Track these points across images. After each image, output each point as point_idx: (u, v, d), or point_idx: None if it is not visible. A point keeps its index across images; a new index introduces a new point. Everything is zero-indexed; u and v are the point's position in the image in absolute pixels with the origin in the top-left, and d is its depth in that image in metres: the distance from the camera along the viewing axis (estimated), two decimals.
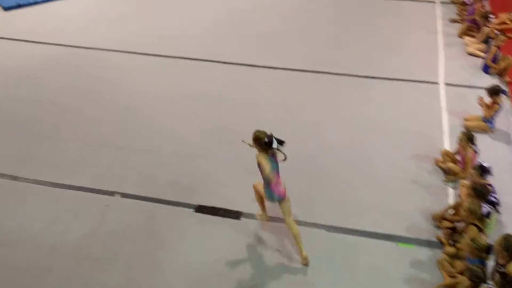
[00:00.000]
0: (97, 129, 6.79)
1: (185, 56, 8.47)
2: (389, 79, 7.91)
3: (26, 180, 5.94)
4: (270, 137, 4.76)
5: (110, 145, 6.50)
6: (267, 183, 4.84)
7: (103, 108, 7.21)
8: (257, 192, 5.17)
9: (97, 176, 5.99)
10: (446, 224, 5.18)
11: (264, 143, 4.73)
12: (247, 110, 7.20)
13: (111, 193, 5.75)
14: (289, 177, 5.00)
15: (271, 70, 8.15)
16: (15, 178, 5.97)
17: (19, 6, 10.07)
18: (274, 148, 4.74)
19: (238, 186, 5.82)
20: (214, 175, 6.03)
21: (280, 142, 4.81)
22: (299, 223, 5.14)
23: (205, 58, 8.41)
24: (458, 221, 5.13)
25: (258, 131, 4.82)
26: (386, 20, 9.82)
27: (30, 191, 5.80)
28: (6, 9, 10.00)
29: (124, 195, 5.73)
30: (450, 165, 5.92)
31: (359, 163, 6.24)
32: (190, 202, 5.66)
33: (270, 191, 4.88)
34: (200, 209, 5.57)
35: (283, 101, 7.39)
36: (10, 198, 5.71)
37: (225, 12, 10.03)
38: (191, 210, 5.56)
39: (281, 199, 4.92)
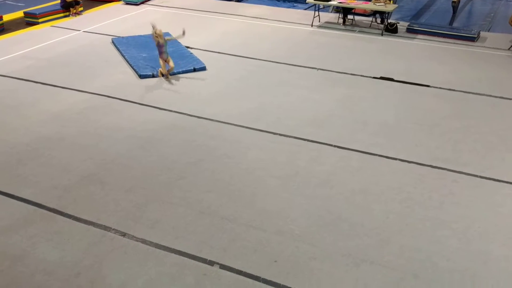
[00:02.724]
0: (205, 197, 6.94)
1: (298, 136, 8.56)
2: None
3: (133, 237, 6.15)
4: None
5: (216, 215, 6.58)
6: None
7: (213, 178, 7.39)
8: None
9: (200, 244, 6.04)
10: None
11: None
12: (356, 197, 7.01)
13: (210, 263, 5.75)
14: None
15: (385, 159, 7.94)
16: (123, 234, 6.20)
17: (153, 75, 10.96)
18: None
19: (340, 276, 5.59)
20: (315, 261, 5.82)
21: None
22: None
23: (318, 140, 8.43)
24: None
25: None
26: None
27: (135, 249, 5.97)
28: (142, 77, 10.91)
29: (223, 267, 5.69)
30: None
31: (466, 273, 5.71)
32: (287, 284, 5.47)
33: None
34: None
35: (397, 194, 7.11)
36: (115, 253, 5.91)
37: (343, 98, 10.12)
38: None
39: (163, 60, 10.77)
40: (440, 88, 10.70)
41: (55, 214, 6.55)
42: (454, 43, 13.69)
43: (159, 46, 10.64)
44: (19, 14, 15.37)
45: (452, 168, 7.72)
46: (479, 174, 7.58)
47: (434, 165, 7.80)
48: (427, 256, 5.93)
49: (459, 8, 16.86)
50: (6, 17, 14.90)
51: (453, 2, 16.02)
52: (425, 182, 7.38)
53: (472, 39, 13.81)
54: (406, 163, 7.86)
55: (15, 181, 7.23)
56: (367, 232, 6.30)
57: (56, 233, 6.21)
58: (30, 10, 15.10)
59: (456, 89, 10.65)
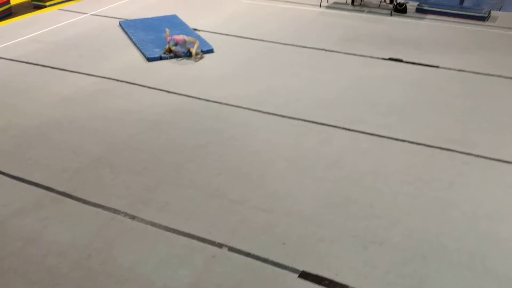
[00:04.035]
0: (213, 180, 6.96)
1: (306, 118, 8.53)
2: None
3: (142, 220, 6.19)
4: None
5: (224, 197, 6.60)
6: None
7: (221, 160, 7.41)
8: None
9: (208, 226, 6.08)
10: None
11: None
12: (365, 178, 7.00)
13: (219, 245, 5.79)
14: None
15: (394, 141, 7.91)
16: (133, 217, 6.25)
17: (161, 58, 10.94)
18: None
19: (348, 258, 5.61)
20: (323, 243, 5.85)
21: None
22: None
23: (326, 122, 8.40)
24: None
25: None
26: None
27: (144, 231, 6.02)
28: (150, 60, 10.89)
29: (231, 249, 5.73)
30: None
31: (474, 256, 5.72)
32: (295, 266, 5.50)
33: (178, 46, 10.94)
34: (304, 275, 5.39)
35: (406, 175, 7.08)
36: (125, 235, 5.97)
37: (352, 79, 10.05)
38: (295, 275, 5.39)
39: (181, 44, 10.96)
40: (450, 69, 10.59)
41: (65, 197, 6.61)
42: (464, 23, 13.51)
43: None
44: None
45: (462, 150, 7.67)
46: (489, 156, 7.53)
47: (443, 146, 7.76)
48: (436, 237, 5.93)
49: None
50: (14, 1, 14.89)
51: None
52: (435, 163, 7.35)
53: (482, 18, 13.62)
54: (415, 144, 7.82)
55: (25, 165, 7.29)
56: (376, 214, 6.31)
57: (67, 216, 6.27)
58: None
59: (466, 69, 10.54)
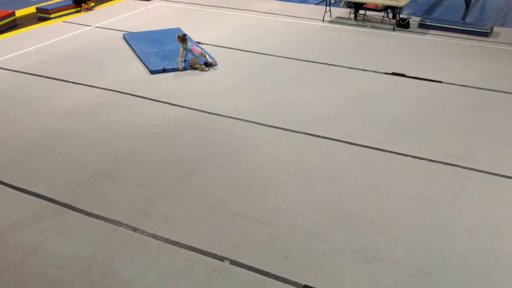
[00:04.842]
0: (215, 193, 6.95)
1: (309, 132, 8.54)
2: None
3: (144, 232, 6.17)
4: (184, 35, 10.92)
5: (226, 210, 6.59)
6: (190, 52, 11.01)
7: (224, 173, 7.40)
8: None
9: (210, 239, 6.06)
10: None
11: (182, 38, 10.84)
12: (367, 193, 6.98)
13: (221, 258, 5.76)
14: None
15: (397, 155, 7.90)
16: (134, 229, 6.23)
17: (164, 71, 10.98)
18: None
19: (351, 273, 5.58)
20: (325, 257, 5.81)
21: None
22: None
23: (329, 136, 8.40)
24: None
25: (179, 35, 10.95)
26: None
27: (146, 244, 6.00)
28: (153, 72, 10.93)
29: (233, 262, 5.70)
30: None
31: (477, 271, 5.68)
32: (298, 280, 5.47)
33: (193, 54, 10.96)
34: None
35: (408, 190, 7.06)
36: (127, 248, 5.94)
37: (354, 94, 10.07)
38: None
39: (198, 55, 10.99)
40: (453, 84, 10.61)
41: (67, 209, 6.60)
42: (467, 38, 13.56)
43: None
44: (32, 9, 15.47)
45: (464, 165, 7.66)
46: (491, 171, 7.51)
47: (446, 161, 7.74)
48: (439, 253, 5.90)
49: (472, 3, 16.69)
50: (19, 13, 15.00)
51: None
52: (437, 179, 7.33)
53: (485, 34, 13.68)
54: (418, 159, 7.81)
55: (27, 176, 7.29)
56: (378, 229, 6.28)
57: (68, 228, 6.25)
58: (42, 5, 15.19)
59: (468, 85, 10.55)
